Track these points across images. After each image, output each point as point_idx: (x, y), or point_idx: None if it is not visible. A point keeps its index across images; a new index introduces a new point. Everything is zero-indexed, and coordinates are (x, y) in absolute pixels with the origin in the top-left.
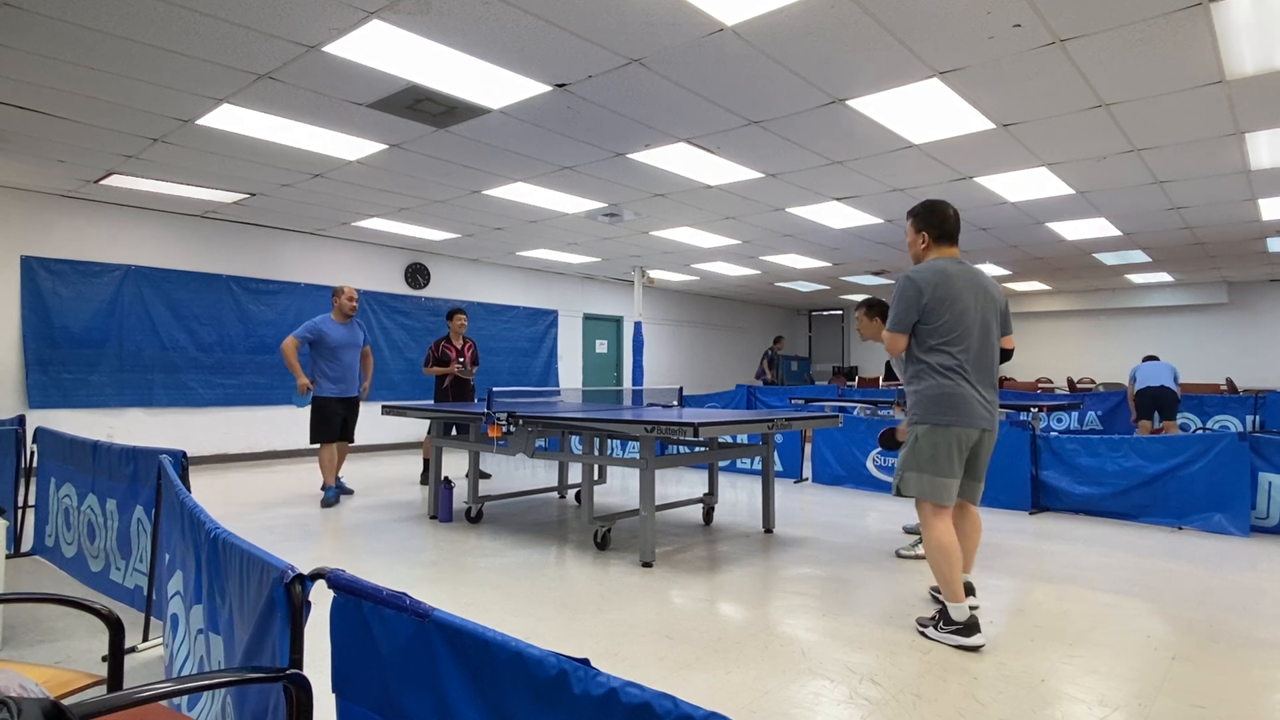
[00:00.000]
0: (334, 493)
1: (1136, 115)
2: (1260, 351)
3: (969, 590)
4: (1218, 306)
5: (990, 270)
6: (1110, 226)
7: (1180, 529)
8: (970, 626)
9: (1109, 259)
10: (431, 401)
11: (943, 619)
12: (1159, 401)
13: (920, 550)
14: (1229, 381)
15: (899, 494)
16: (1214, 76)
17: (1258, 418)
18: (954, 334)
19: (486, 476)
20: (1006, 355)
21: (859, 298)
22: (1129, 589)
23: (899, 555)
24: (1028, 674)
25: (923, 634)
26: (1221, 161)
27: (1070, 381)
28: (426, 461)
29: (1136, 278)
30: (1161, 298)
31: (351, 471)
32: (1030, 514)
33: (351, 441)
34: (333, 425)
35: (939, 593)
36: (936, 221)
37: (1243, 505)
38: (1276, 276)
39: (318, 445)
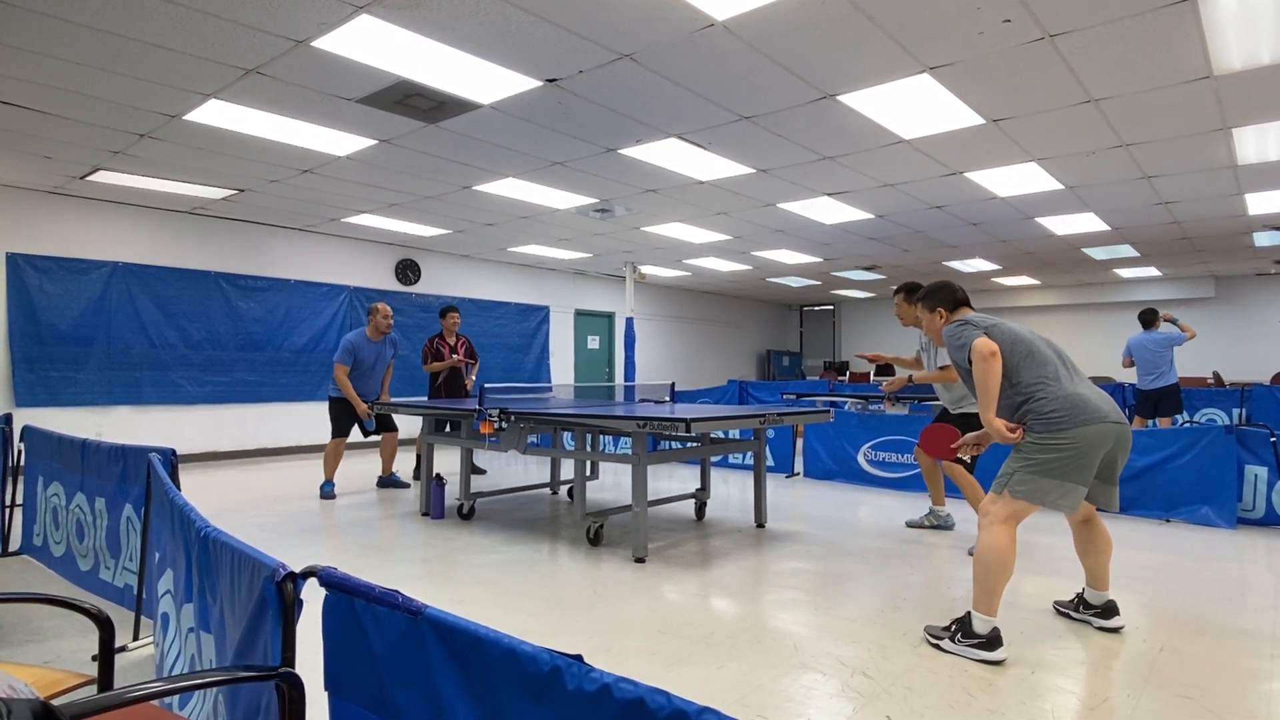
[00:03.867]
0: (331, 488)
1: (1125, 110)
2: (1247, 345)
3: (1114, 609)
4: (1205, 301)
5: (980, 265)
6: (1099, 221)
7: (1168, 521)
8: (994, 640)
9: (1098, 254)
10: (423, 398)
11: (962, 630)
12: (1161, 399)
13: (930, 521)
14: (1216, 375)
15: (1010, 495)
16: (1202, 72)
17: (1244, 411)
18: (1027, 349)
19: (481, 472)
20: None
21: (851, 293)
22: (1117, 581)
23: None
24: (1018, 666)
25: (937, 646)
26: (1209, 156)
27: None
28: (419, 458)
29: (1125, 272)
30: (1149, 292)
31: (343, 468)
32: None
33: (396, 430)
34: (347, 422)
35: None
36: (945, 295)
37: (1229, 497)
38: (1263, 271)
39: (334, 440)
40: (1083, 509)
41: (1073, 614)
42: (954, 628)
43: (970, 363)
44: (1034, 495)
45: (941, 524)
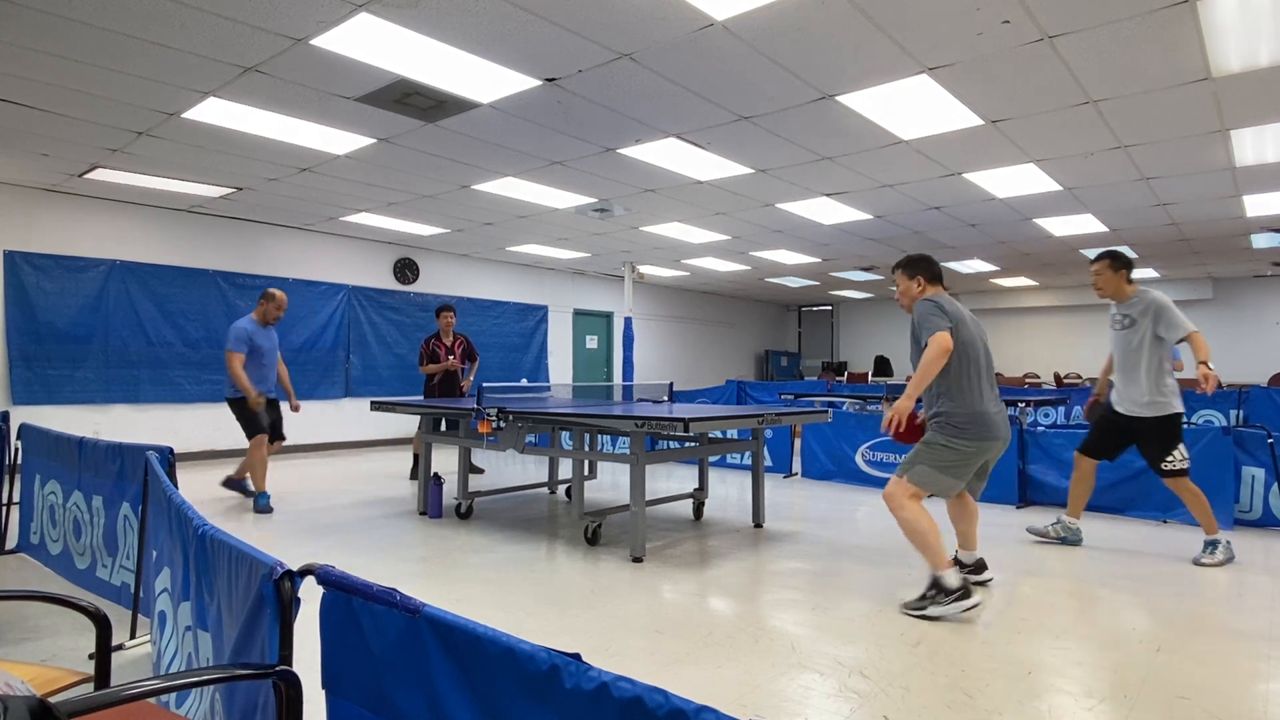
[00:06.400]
0: (267, 500)
1: (1124, 112)
2: (1244, 346)
3: (983, 565)
4: (1203, 302)
5: (978, 266)
6: (1097, 223)
7: (1165, 522)
8: (966, 590)
9: (1096, 255)
10: (418, 397)
11: (941, 591)
12: None
13: (1058, 532)
14: None
15: (909, 481)
16: (1200, 73)
17: (1241, 412)
18: (970, 355)
19: (479, 471)
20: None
21: (849, 294)
22: (1114, 582)
23: (1028, 530)
24: (1015, 666)
25: (922, 616)
26: (1207, 158)
27: (1057, 376)
28: (416, 457)
29: None
30: None
31: (341, 467)
32: (1018, 508)
33: (284, 440)
34: (265, 416)
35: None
36: (926, 266)
37: (1226, 499)
38: (1260, 273)
39: (255, 440)
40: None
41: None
42: (931, 593)
43: (924, 344)
44: (929, 484)
45: (1070, 538)
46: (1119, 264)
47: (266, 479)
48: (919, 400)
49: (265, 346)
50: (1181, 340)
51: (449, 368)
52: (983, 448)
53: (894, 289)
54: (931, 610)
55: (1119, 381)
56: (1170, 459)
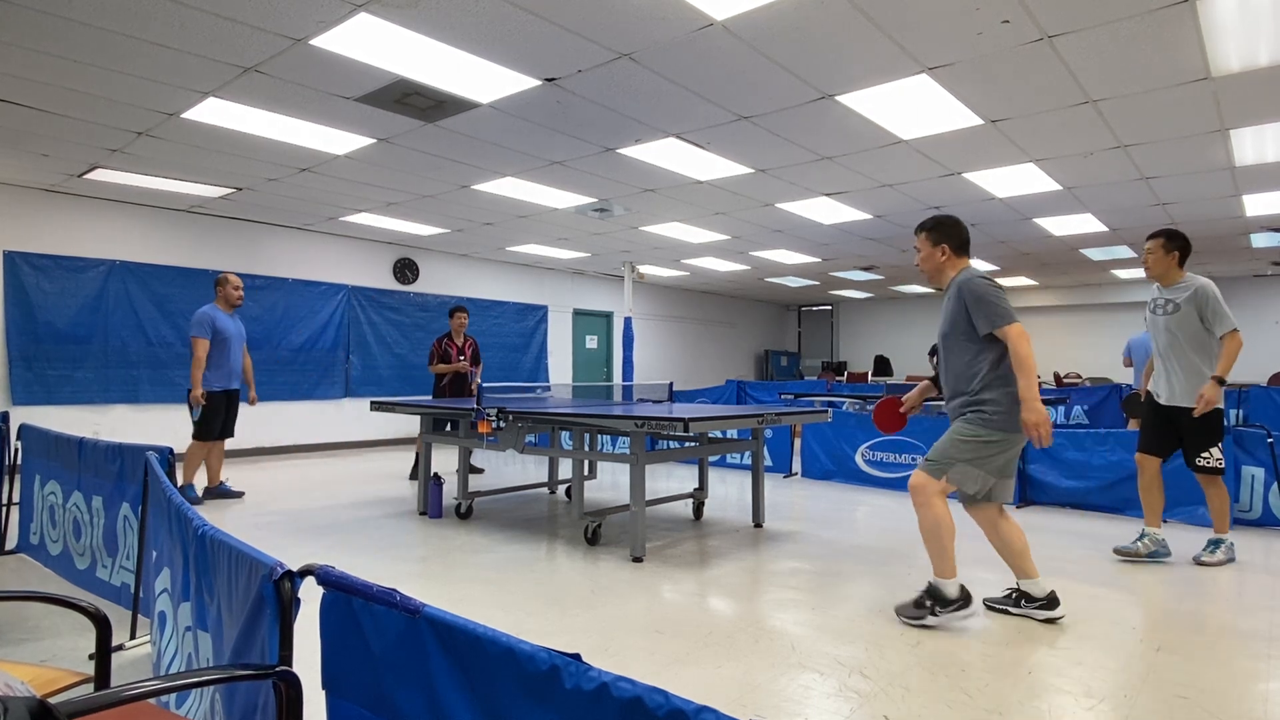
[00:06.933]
0: (194, 492)
1: (1123, 111)
2: (1244, 347)
3: (1056, 600)
4: None
5: (978, 265)
6: (1097, 222)
7: (1165, 522)
8: (967, 597)
9: (1095, 254)
10: (419, 397)
11: (938, 601)
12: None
13: (1147, 547)
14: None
15: (949, 480)
16: (1200, 73)
17: (1240, 412)
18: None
19: (479, 471)
20: None
21: (849, 294)
22: (1114, 581)
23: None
24: (1015, 666)
25: (921, 625)
26: (1206, 158)
27: (1057, 376)
28: (418, 457)
29: (1122, 273)
30: (1147, 293)
31: (340, 468)
32: (1017, 507)
33: (231, 436)
34: (218, 421)
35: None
36: (954, 231)
37: None
38: (1260, 272)
39: (197, 442)
40: (991, 510)
41: (1011, 609)
42: (928, 603)
43: (992, 334)
44: (965, 483)
45: (1159, 551)
46: (1173, 245)
47: (197, 475)
48: (918, 389)
49: (230, 333)
50: (1221, 337)
51: (459, 369)
52: (1016, 439)
53: (915, 254)
54: (931, 620)
55: (1158, 370)
56: (1207, 455)
